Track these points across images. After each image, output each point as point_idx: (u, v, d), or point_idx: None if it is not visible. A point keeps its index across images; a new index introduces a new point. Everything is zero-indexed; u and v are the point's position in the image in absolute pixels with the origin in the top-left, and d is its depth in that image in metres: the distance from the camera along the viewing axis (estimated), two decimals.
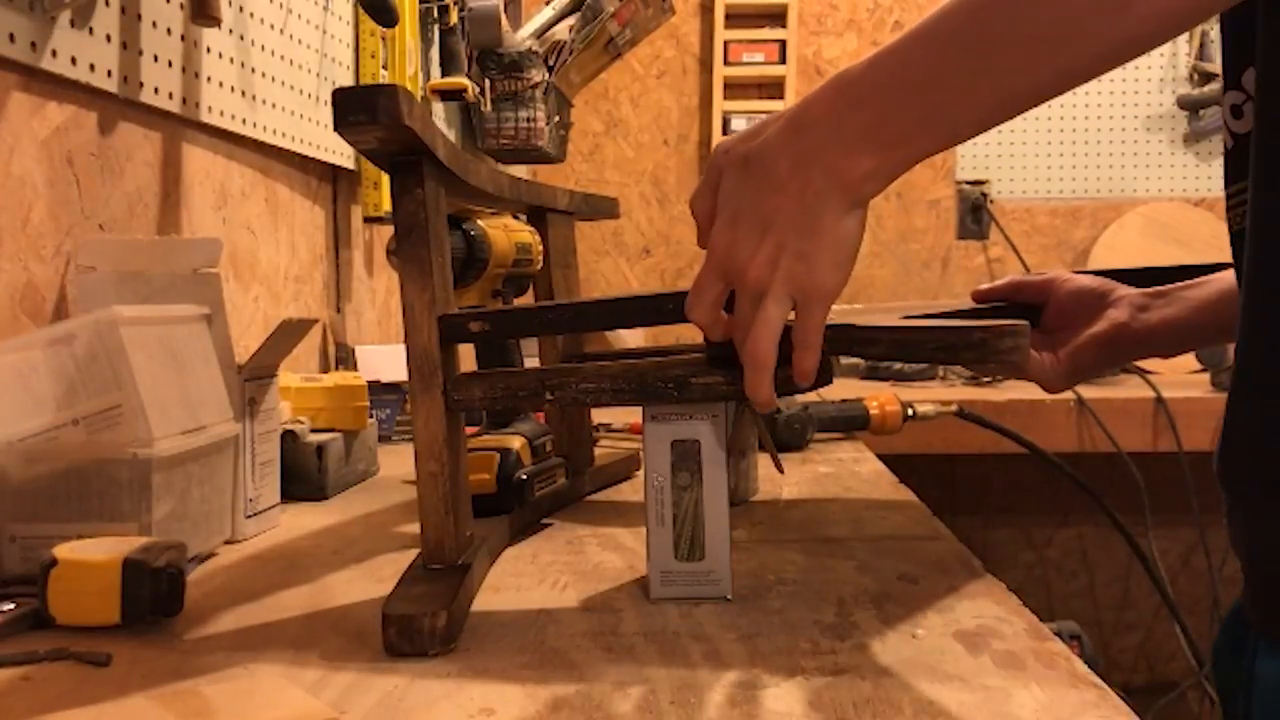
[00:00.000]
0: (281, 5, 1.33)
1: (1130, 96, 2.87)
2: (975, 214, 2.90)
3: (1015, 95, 0.57)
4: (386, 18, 1.26)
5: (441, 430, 0.72)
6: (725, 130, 2.83)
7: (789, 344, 0.65)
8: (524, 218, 1.04)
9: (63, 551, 0.67)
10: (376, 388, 1.30)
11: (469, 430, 0.93)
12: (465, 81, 1.75)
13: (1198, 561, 2.41)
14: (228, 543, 0.88)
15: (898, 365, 2.14)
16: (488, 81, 1.86)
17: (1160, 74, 2.86)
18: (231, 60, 1.20)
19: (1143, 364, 2.06)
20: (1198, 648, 2.01)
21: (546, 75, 1.88)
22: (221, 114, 1.17)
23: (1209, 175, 2.80)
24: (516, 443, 0.92)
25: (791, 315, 0.63)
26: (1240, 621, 0.72)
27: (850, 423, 1.37)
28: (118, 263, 0.87)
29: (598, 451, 1.12)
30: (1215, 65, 2.74)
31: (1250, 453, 0.66)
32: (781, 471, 1.05)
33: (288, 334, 0.93)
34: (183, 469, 0.78)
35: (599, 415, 1.28)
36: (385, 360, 1.40)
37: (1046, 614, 2.37)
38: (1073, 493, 1.86)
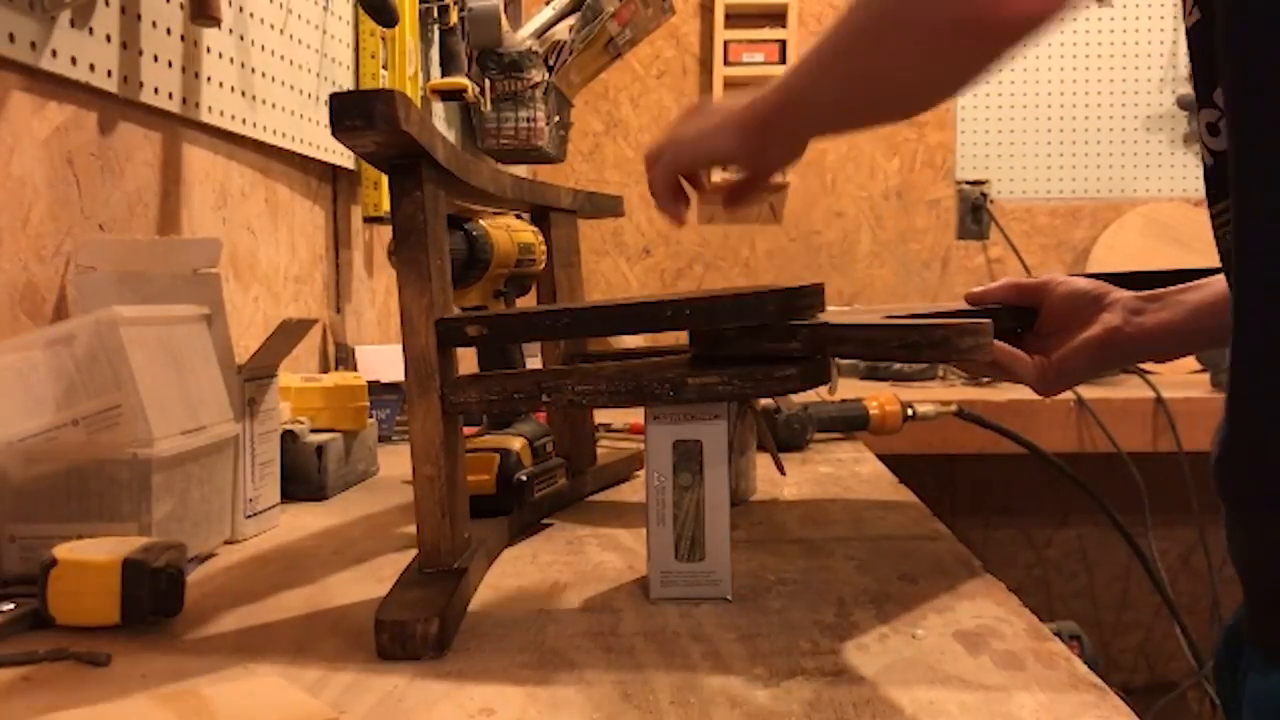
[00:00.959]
0: (281, 5, 1.33)
1: (1130, 96, 2.87)
2: (975, 214, 2.90)
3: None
4: (386, 18, 1.26)
5: (438, 433, 0.72)
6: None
7: (771, 346, 0.66)
8: (526, 217, 1.04)
9: (63, 551, 0.67)
10: (376, 388, 1.30)
11: (470, 431, 0.93)
12: (465, 81, 1.75)
13: (1198, 561, 2.41)
14: (228, 543, 0.88)
15: (897, 365, 2.14)
16: (488, 81, 1.86)
17: (1160, 74, 2.86)
18: (231, 60, 1.20)
19: (1142, 364, 2.05)
20: (1198, 648, 2.01)
21: (546, 75, 1.88)
22: (221, 114, 1.17)
23: None
24: (517, 443, 0.92)
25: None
26: (1237, 634, 0.72)
27: (850, 423, 1.37)
28: (118, 263, 0.87)
29: (599, 451, 1.12)
30: None
31: (1249, 466, 0.66)
32: (782, 472, 1.05)
33: (288, 334, 0.93)
34: (183, 469, 0.78)
35: (599, 415, 1.28)
36: (385, 360, 1.40)
37: (1046, 614, 2.37)
38: (1073, 493, 1.86)
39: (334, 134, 0.67)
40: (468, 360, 0.95)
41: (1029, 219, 2.90)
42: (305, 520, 0.97)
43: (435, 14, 1.79)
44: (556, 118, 1.95)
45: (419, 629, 0.63)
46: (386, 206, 1.58)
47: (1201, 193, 0.70)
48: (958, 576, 0.78)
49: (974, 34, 0.65)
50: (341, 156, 1.53)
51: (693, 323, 0.70)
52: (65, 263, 0.92)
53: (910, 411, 1.39)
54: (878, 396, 1.39)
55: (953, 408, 1.45)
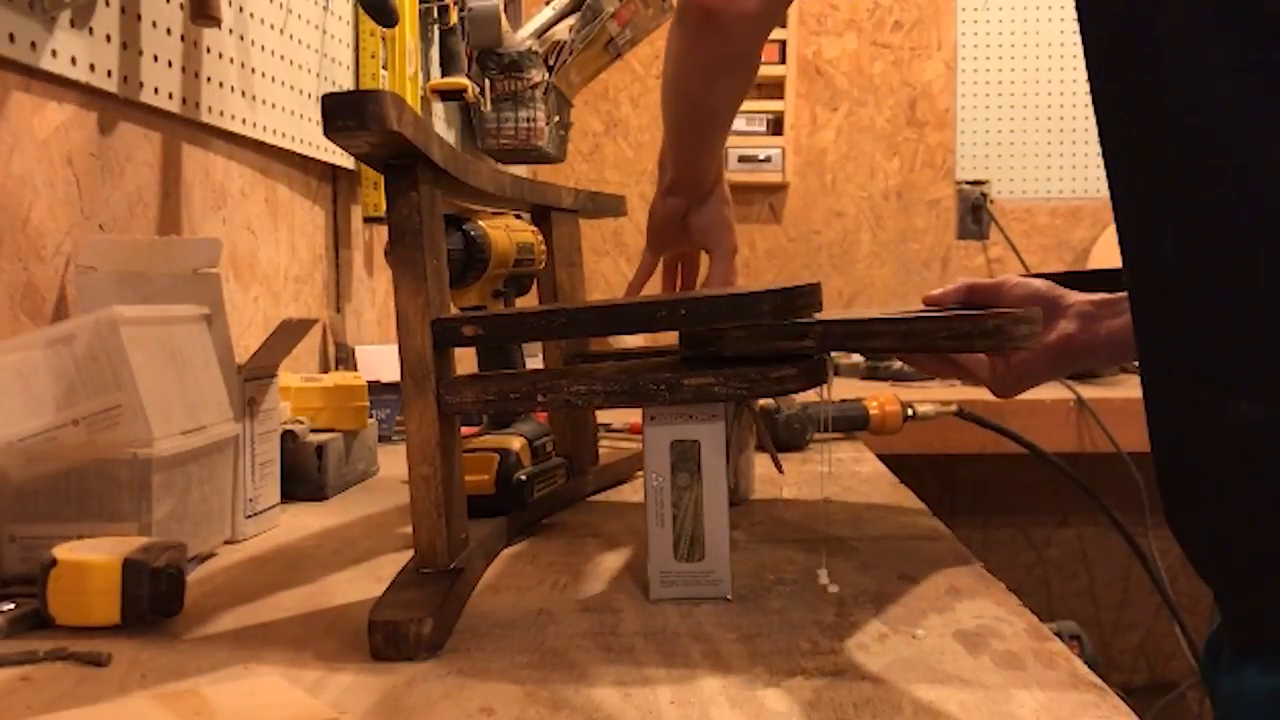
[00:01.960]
0: (281, 5, 1.33)
1: None
2: (975, 214, 2.90)
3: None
4: (386, 18, 1.26)
5: (434, 434, 0.72)
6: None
7: (775, 346, 0.66)
8: (527, 217, 1.04)
9: (63, 551, 0.67)
10: (376, 388, 1.30)
11: (470, 431, 0.93)
12: (465, 81, 1.75)
13: None
14: (228, 543, 0.88)
15: (897, 365, 2.14)
16: (488, 81, 1.86)
17: None
18: (231, 60, 1.20)
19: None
20: (1198, 648, 2.01)
21: (546, 75, 1.88)
22: (221, 114, 1.17)
23: None
24: (516, 443, 0.92)
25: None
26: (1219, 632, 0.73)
27: (850, 423, 1.37)
28: (118, 263, 0.87)
29: (601, 451, 1.12)
30: None
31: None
32: (781, 471, 1.05)
33: (288, 334, 0.93)
34: (183, 469, 0.78)
35: (600, 415, 1.28)
36: (385, 360, 1.40)
37: (1046, 614, 2.36)
38: (1073, 493, 1.86)
39: (326, 134, 0.67)
40: (469, 361, 0.96)
41: (1029, 219, 2.90)
42: (305, 520, 0.97)
43: (435, 14, 1.79)
44: (556, 118, 1.95)
45: (413, 629, 0.63)
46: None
47: None
48: (958, 576, 0.78)
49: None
50: (341, 156, 1.53)
51: (689, 323, 0.70)
52: (65, 263, 0.93)
53: (910, 411, 1.39)
54: (878, 396, 1.39)
55: (953, 408, 1.45)
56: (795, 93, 2.83)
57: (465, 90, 1.74)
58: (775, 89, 2.83)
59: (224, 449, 0.85)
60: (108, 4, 0.96)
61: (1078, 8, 0.64)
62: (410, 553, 0.73)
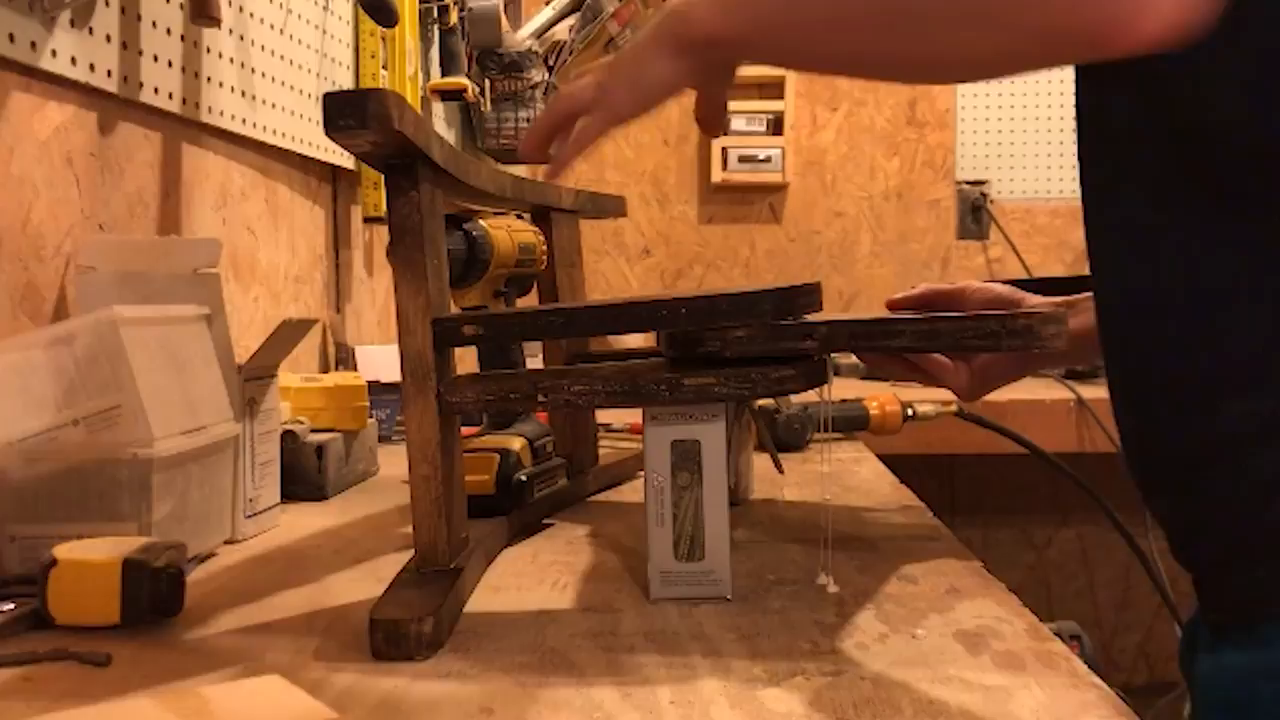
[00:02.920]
0: (281, 5, 1.33)
1: None
2: (975, 214, 2.89)
3: (855, 55, 0.64)
4: (386, 18, 1.26)
5: (435, 433, 0.72)
6: (725, 130, 2.83)
7: (773, 347, 0.66)
8: (528, 217, 1.04)
9: (63, 551, 0.67)
10: (376, 388, 1.30)
11: (470, 431, 0.93)
12: (465, 81, 1.75)
13: None
14: (228, 543, 0.88)
15: None
16: (488, 81, 1.86)
17: None
18: (231, 60, 1.20)
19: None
20: None
21: (546, 75, 1.88)
22: (221, 114, 1.17)
23: None
24: (517, 444, 0.92)
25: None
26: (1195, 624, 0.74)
27: (850, 423, 1.37)
28: (118, 263, 0.87)
29: (601, 451, 1.12)
30: None
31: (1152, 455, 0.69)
32: (781, 471, 1.05)
33: (288, 334, 0.93)
34: (183, 469, 0.78)
35: (600, 415, 1.28)
36: (385, 360, 1.40)
37: (1046, 614, 2.36)
38: (1073, 493, 1.86)
39: (327, 133, 0.67)
40: (470, 361, 0.96)
41: (1029, 219, 2.90)
42: (305, 520, 0.97)
43: (435, 14, 1.79)
44: None
45: (413, 628, 0.63)
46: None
47: None
48: (958, 576, 0.78)
49: (1084, 44, 0.55)
50: (341, 156, 1.53)
51: (688, 322, 0.70)
52: (65, 263, 0.92)
53: (910, 411, 1.39)
54: (878, 396, 1.39)
55: (953, 408, 1.45)
56: (795, 93, 2.83)
57: (465, 90, 1.74)
58: (775, 89, 2.83)
59: (224, 449, 0.85)
60: (108, 4, 0.96)
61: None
62: (410, 553, 0.73)
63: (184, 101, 1.09)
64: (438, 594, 0.67)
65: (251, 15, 1.25)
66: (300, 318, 0.94)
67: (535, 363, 1.09)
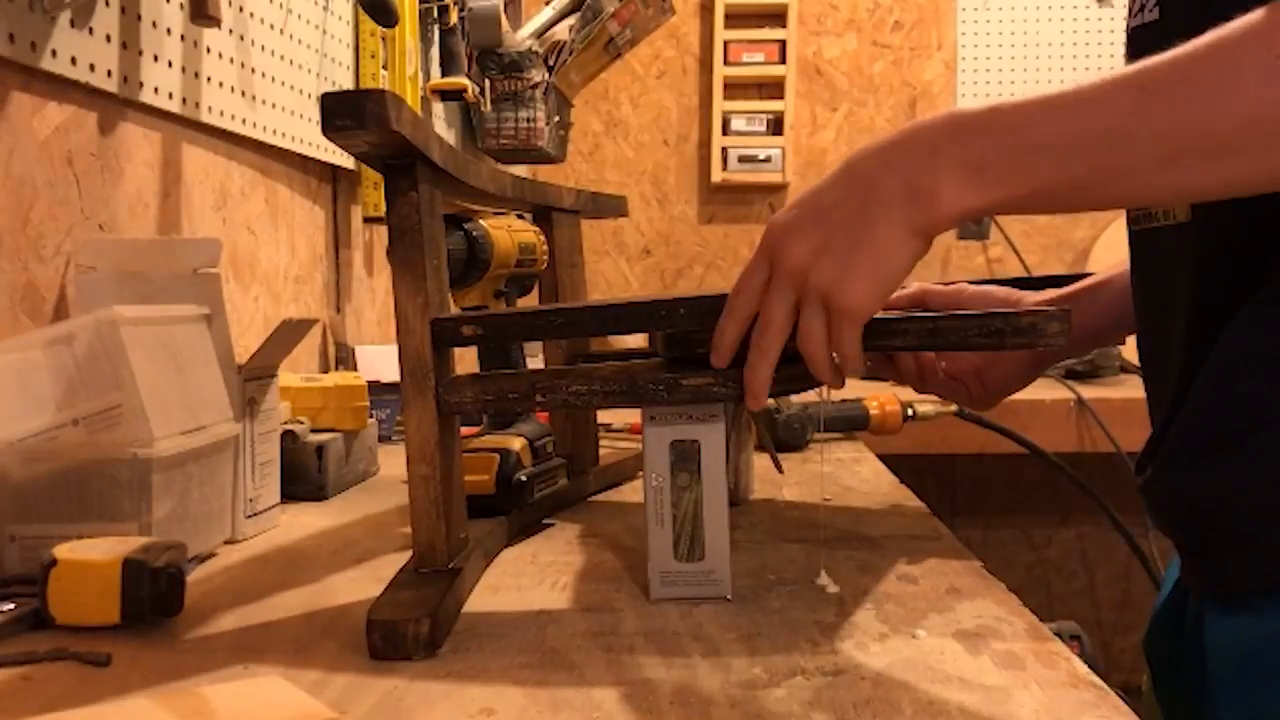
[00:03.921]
0: (281, 5, 1.33)
1: None
2: None
3: (1130, 194, 0.58)
4: (386, 18, 1.26)
5: (433, 433, 0.72)
6: (725, 130, 2.82)
7: (790, 345, 0.66)
8: (528, 217, 1.04)
9: (63, 551, 0.67)
10: (376, 388, 1.30)
11: (470, 431, 0.93)
12: (465, 81, 1.75)
13: None
14: (228, 543, 0.88)
15: None
16: (488, 81, 1.86)
17: None
18: (231, 60, 1.20)
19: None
20: None
21: (546, 75, 1.88)
22: (221, 114, 1.17)
23: None
24: (517, 444, 0.92)
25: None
26: (1177, 603, 0.74)
27: (850, 423, 1.37)
28: (118, 263, 0.87)
29: (601, 451, 1.12)
30: None
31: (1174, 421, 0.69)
32: (781, 471, 1.05)
33: (288, 334, 0.92)
34: (183, 469, 0.78)
35: (600, 415, 1.28)
36: (385, 360, 1.40)
37: (1046, 614, 2.36)
38: (1073, 493, 1.86)
39: (325, 134, 0.67)
40: (470, 361, 0.96)
41: (1029, 219, 2.90)
42: (305, 520, 0.97)
43: (435, 14, 1.79)
44: (556, 118, 1.95)
45: (410, 628, 0.63)
46: None
47: None
48: (958, 576, 0.78)
49: None
50: (341, 156, 1.53)
51: (687, 323, 0.70)
52: (65, 263, 0.92)
53: (910, 411, 1.39)
54: (878, 396, 1.39)
55: (953, 408, 1.45)
56: (795, 93, 2.83)
57: (465, 90, 1.74)
58: (775, 89, 2.83)
59: (224, 449, 0.85)
60: (108, 4, 0.96)
61: None
62: (410, 553, 0.73)
63: (184, 101, 1.09)
64: (435, 594, 0.67)
65: (251, 15, 1.25)
66: (300, 318, 0.94)
67: (535, 363, 1.09)
